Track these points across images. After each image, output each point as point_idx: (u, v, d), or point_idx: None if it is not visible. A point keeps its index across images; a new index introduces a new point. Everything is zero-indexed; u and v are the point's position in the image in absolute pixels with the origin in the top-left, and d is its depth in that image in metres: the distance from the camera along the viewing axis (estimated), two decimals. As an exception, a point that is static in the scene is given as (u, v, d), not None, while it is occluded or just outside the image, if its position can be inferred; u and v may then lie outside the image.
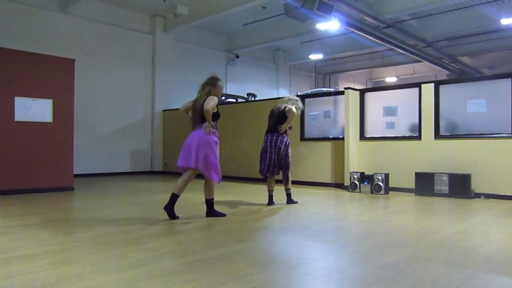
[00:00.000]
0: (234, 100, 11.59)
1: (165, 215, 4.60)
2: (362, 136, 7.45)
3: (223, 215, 4.37)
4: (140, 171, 11.21)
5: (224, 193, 6.50)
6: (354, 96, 7.49)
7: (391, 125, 7.23)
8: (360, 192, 6.84)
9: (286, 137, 5.27)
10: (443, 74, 16.46)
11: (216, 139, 4.24)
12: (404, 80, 17.48)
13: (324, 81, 19.13)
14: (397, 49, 12.59)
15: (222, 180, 4.39)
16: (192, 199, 6.01)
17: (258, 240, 3.45)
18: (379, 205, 5.59)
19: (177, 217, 4.18)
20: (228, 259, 2.77)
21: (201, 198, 6.06)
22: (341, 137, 7.57)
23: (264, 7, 11.01)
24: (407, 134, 7.02)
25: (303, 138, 8.17)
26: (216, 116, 4.28)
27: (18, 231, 3.62)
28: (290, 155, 5.28)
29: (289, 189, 5.43)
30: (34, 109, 6.44)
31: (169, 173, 11.14)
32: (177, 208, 5.30)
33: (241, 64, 14.55)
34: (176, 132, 11.19)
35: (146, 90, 11.49)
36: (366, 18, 10.40)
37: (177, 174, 11.87)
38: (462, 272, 2.49)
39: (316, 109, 8.09)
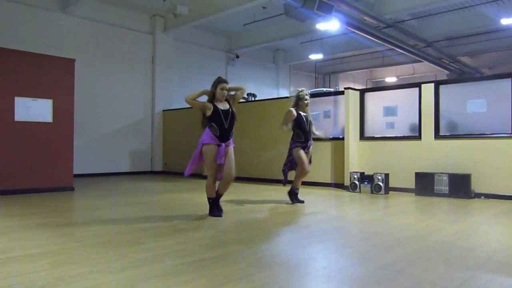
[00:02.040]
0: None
1: (164, 215, 4.62)
2: (362, 136, 7.45)
3: (219, 215, 4.38)
4: (140, 171, 11.21)
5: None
6: (354, 96, 7.49)
7: (391, 125, 7.23)
8: (360, 192, 6.83)
9: (291, 142, 5.46)
10: (443, 74, 16.45)
11: (203, 138, 4.34)
12: (404, 80, 17.46)
13: (324, 81, 19.12)
14: (397, 49, 12.58)
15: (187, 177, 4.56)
16: (192, 199, 6.01)
17: (258, 240, 3.45)
18: (379, 205, 5.59)
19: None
20: (228, 259, 2.77)
21: (200, 198, 6.07)
22: (341, 137, 7.57)
23: (264, 7, 11.00)
24: (407, 134, 7.02)
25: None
26: (209, 119, 4.36)
27: (18, 231, 3.62)
28: (294, 153, 5.38)
29: (295, 188, 5.53)
30: (34, 109, 6.44)
31: (169, 173, 11.14)
32: (178, 209, 5.30)
33: (241, 64, 14.55)
34: (176, 132, 11.19)
35: (146, 90, 11.49)
36: (366, 18, 10.40)
37: (177, 174, 11.81)
38: (462, 272, 2.49)
39: (316, 109, 8.08)
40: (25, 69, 6.39)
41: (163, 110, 11.58)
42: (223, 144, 4.31)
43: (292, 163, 5.47)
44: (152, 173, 11.38)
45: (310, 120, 5.48)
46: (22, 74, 6.36)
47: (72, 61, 6.92)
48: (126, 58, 11.02)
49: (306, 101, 5.41)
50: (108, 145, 10.57)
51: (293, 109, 5.38)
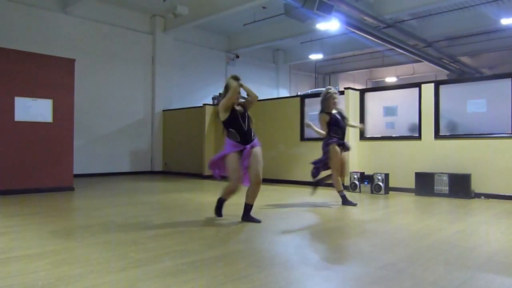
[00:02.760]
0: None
1: (164, 215, 4.62)
2: (362, 136, 7.45)
3: (221, 216, 4.36)
4: (140, 171, 11.21)
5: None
6: (354, 96, 7.49)
7: (391, 125, 7.23)
8: (360, 192, 6.83)
9: (328, 138, 5.39)
10: (443, 74, 16.45)
11: (224, 149, 4.06)
12: (404, 80, 17.46)
13: (324, 81, 19.11)
14: (397, 49, 12.58)
15: (222, 180, 4.31)
16: (192, 199, 6.01)
17: (258, 240, 3.45)
18: (379, 205, 5.59)
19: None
20: (228, 259, 2.77)
21: (200, 198, 6.07)
22: (341, 137, 7.56)
23: (264, 7, 11.00)
24: (407, 134, 7.02)
25: (303, 138, 8.17)
26: (225, 123, 4.07)
27: (18, 231, 3.62)
28: (329, 154, 5.33)
29: (340, 190, 5.39)
30: (34, 109, 6.44)
31: (169, 173, 11.14)
32: (178, 209, 5.30)
33: (241, 64, 14.54)
34: (176, 132, 11.19)
35: (146, 90, 11.49)
36: (366, 18, 10.40)
37: (177, 174, 11.79)
38: (462, 272, 2.49)
39: (316, 109, 8.06)
40: (25, 69, 6.38)
41: (163, 110, 11.58)
42: (247, 147, 4.00)
43: (325, 162, 5.36)
44: (152, 173, 11.38)
45: (344, 116, 5.51)
46: (22, 74, 6.35)
47: (72, 61, 6.92)
48: (126, 58, 11.02)
49: (335, 99, 5.37)
50: (108, 145, 10.57)
51: (323, 114, 5.37)
